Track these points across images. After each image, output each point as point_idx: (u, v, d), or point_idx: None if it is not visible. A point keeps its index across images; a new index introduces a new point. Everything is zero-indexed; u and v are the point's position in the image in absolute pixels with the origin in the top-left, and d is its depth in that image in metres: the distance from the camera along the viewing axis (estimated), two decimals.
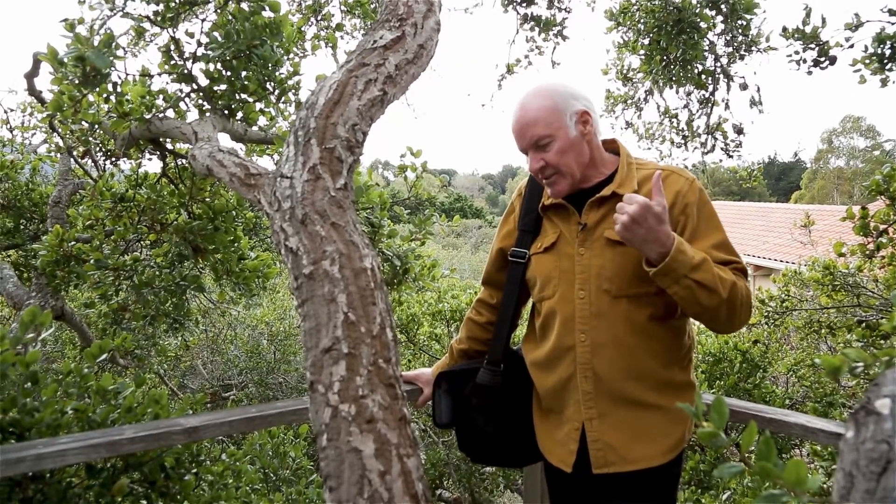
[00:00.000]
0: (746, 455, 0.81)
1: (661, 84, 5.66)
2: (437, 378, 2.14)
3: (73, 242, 3.44)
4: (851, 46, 4.04)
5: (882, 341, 3.67)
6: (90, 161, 4.39)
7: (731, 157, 6.10)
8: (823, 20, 4.16)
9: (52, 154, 5.29)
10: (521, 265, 1.96)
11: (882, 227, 3.66)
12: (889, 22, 3.83)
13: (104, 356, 2.24)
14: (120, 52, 2.68)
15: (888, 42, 3.79)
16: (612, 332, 1.76)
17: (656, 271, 1.61)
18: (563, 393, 1.85)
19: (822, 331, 4.84)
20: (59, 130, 4.02)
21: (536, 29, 5.62)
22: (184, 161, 3.38)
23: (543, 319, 1.90)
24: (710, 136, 6.02)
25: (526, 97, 1.84)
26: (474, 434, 2.11)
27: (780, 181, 53.93)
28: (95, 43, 2.50)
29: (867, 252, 3.75)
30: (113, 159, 4.12)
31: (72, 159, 4.62)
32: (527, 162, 1.86)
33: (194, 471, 2.31)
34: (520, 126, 1.82)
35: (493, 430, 2.08)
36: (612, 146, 1.95)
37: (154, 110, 2.99)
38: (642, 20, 5.26)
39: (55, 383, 2.06)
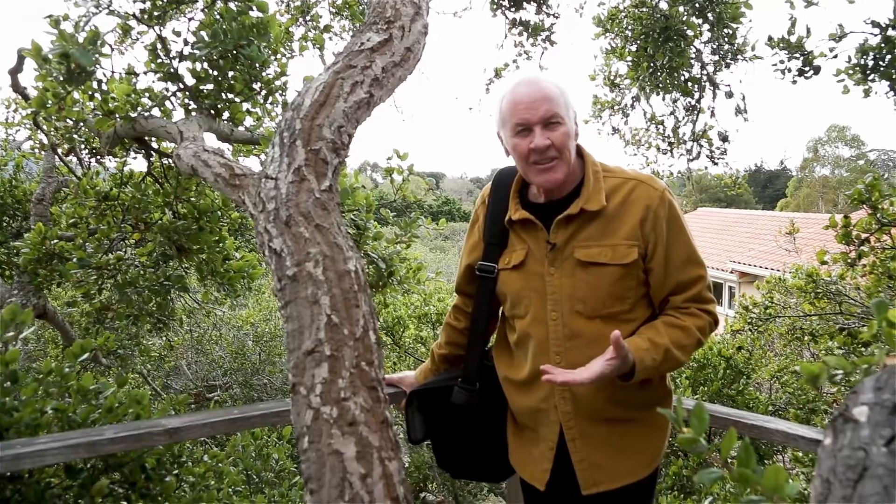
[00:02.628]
0: (728, 460, 0.81)
1: (647, 91, 5.69)
2: (409, 396, 2.10)
3: (55, 240, 3.41)
4: (835, 57, 4.09)
5: (863, 349, 3.71)
6: (75, 158, 4.35)
7: (716, 164, 6.16)
8: (808, 30, 4.21)
9: (37, 151, 5.24)
10: (491, 279, 1.88)
11: (864, 235, 3.70)
12: (872, 34, 3.88)
13: (86, 355, 2.22)
14: (106, 50, 2.67)
15: (871, 53, 3.84)
16: (587, 354, 1.68)
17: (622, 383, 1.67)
18: (539, 413, 1.82)
19: (805, 338, 4.88)
20: (44, 127, 3.98)
21: (525, 34, 5.64)
22: (169, 160, 3.36)
23: (518, 339, 1.85)
24: (695, 143, 6.07)
25: (535, 76, 1.78)
26: (451, 451, 2.10)
27: (766, 189, 54.38)
28: (80, 40, 2.48)
29: (849, 260, 3.80)
30: (98, 157, 4.08)
31: (56, 157, 4.57)
32: (514, 139, 1.74)
33: (175, 472, 2.30)
34: (534, 98, 1.70)
35: (470, 448, 2.06)
36: (577, 150, 1.84)
37: (139, 109, 2.97)
38: (630, 27, 5.30)
39: (35, 382, 2.04)
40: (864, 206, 3.62)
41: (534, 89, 1.72)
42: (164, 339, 7.11)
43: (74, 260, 3.29)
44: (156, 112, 3.03)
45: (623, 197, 1.73)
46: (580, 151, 1.83)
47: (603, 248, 1.71)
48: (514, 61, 6.09)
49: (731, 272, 17.99)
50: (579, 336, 1.72)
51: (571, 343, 1.73)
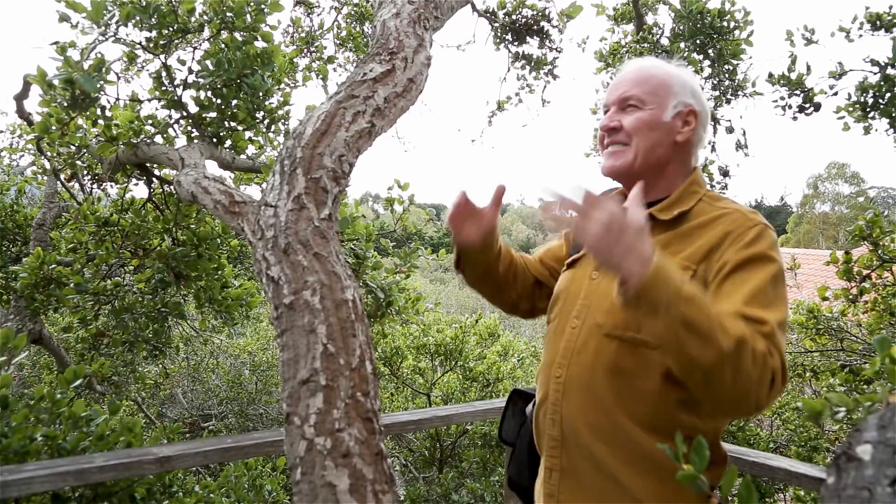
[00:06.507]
0: (728, 498, 0.79)
1: None
2: (513, 393, 1.86)
3: (54, 265, 3.40)
4: (835, 94, 4.13)
5: (865, 386, 3.67)
6: (76, 184, 4.37)
7: None
8: (808, 68, 4.25)
9: (39, 176, 5.26)
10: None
11: (865, 272, 3.69)
12: (871, 72, 3.92)
13: (79, 382, 2.20)
14: (111, 78, 2.68)
15: (871, 91, 3.87)
16: (589, 376, 1.42)
17: (630, 296, 1.19)
18: (540, 436, 1.56)
19: (807, 374, 4.84)
20: (47, 153, 4.00)
21: (527, 67, 5.69)
22: (170, 187, 3.37)
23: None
24: None
25: (649, 60, 1.60)
26: (522, 472, 1.72)
27: None
28: (86, 67, 2.50)
29: (851, 297, 3.78)
30: (99, 183, 4.10)
31: (58, 182, 4.59)
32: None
33: (166, 502, 2.26)
34: (623, 79, 1.55)
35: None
36: (684, 164, 1.56)
37: (142, 135, 2.99)
38: None
39: (26, 408, 2.02)
40: (865, 242, 3.62)
41: (630, 69, 1.57)
42: (159, 366, 7.06)
43: (72, 285, 3.28)
44: (158, 139, 3.05)
45: (708, 220, 1.44)
46: (687, 167, 1.56)
47: None
48: (517, 94, 6.13)
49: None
50: (588, 352, 1.43)
51: (578, 358, 1.44)
